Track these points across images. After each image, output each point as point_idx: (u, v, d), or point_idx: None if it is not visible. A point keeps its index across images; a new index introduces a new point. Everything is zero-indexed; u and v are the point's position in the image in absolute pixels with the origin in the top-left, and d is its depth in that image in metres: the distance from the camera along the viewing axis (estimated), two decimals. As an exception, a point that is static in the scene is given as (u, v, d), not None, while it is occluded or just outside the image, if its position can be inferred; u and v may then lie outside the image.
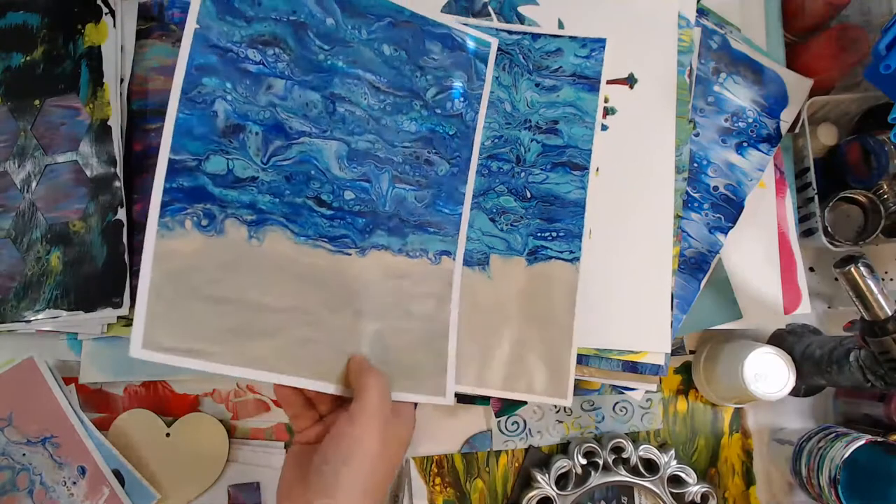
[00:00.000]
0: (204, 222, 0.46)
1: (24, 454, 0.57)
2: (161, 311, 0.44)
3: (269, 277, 0.48)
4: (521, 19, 0.61)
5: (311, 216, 0.50)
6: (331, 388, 0.49)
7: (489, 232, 0.56)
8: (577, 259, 0.57)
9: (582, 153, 0.58)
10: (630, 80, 0.61)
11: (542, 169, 0.57)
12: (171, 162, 0.46)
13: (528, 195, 0.57)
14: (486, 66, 0.57)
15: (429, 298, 0.53)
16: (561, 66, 0.58)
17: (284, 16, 0.50)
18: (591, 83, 0.59)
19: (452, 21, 0.57)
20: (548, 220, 0.57)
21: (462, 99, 0.55)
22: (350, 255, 0.51)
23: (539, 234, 0.57)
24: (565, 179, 0.57)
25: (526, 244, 0.57)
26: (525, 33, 0.59)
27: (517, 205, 0.57)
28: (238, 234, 0.47)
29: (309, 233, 0.50)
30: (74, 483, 0.57)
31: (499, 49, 0.57)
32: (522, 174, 0.57)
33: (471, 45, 0.57)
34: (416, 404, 0.52)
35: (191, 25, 0.47)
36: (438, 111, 0.54)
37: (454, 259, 0.54)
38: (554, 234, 0.57)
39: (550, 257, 0.56)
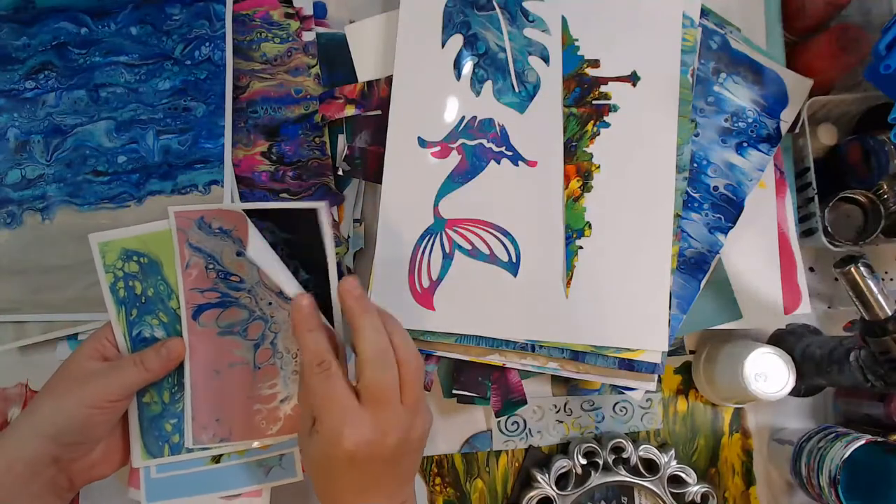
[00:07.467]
0: (8, 220, 0.60)
1: (269, 303, 0.48)
2: None
3: (61, 245, 0.59)
4: (526, 14, 0.61)
5: (91, 186, 0.60)
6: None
7: None
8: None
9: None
10: (633, 78, 0.61)
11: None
12: None
13: None
14: (223, 5, 0.63)
15: None
16: None
17: (48, 44, 0.62)
18: None
19: None
20: None
21: (208, 43, 0.62)
22: (129, 206, 0.60)
23: None
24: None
25: None
26: None
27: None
28: (33, 221, 0.60)
29: (91, 200, 0.60)
30: None
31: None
32: None
33: None
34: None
35: None
36: (188, 63, 0.62)
37: (222, 186, 0.60)
38: None
39: None
